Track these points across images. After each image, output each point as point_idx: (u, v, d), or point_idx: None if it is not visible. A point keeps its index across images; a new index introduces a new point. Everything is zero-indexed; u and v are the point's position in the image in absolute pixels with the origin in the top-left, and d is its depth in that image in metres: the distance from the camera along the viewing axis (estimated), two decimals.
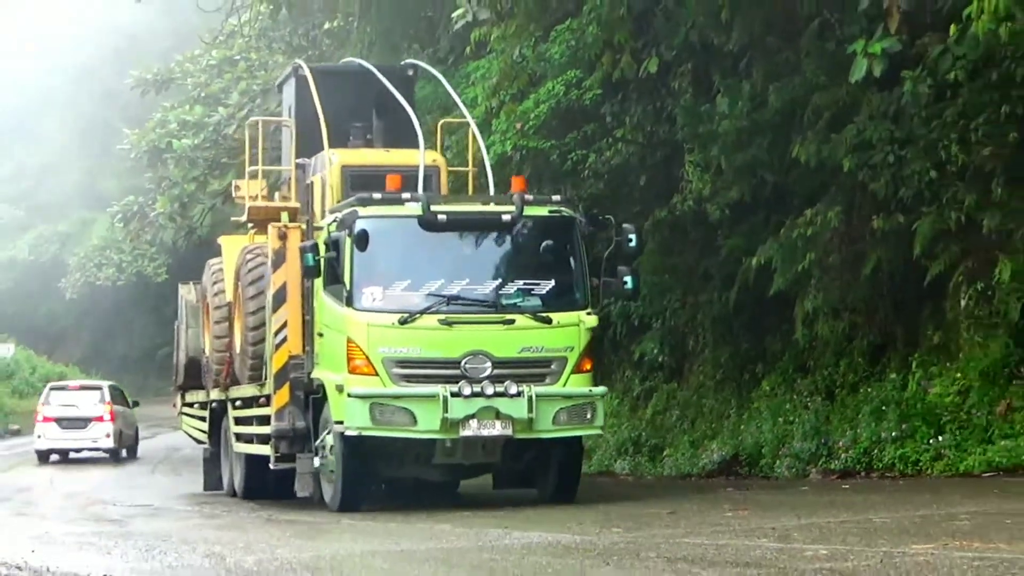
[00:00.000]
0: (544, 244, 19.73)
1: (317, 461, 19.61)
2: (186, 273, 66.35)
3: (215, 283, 24.52)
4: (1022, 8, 17.84)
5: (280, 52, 44.92)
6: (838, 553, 12.28)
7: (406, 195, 19.35)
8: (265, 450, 22.11)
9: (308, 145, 22.70)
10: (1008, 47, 19.40)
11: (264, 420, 21.81)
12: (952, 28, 19.15)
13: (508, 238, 19.82)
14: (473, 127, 22.76)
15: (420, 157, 21.07)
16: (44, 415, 52.80)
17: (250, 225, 24.65)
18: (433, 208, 18.61)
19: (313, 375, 20.22)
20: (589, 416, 19.27)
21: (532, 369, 18.72)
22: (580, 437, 20.29)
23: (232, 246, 25.02)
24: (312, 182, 22.49)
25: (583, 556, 13.81)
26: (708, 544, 14.20)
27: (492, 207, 19.76)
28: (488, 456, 19.46)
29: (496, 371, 18.39)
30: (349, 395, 18.59)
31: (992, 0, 17.18)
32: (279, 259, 20.21)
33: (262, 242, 23.04)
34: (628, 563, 12.51)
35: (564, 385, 18.83)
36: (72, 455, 52.64)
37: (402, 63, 25.04)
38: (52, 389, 56.69)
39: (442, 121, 22.85)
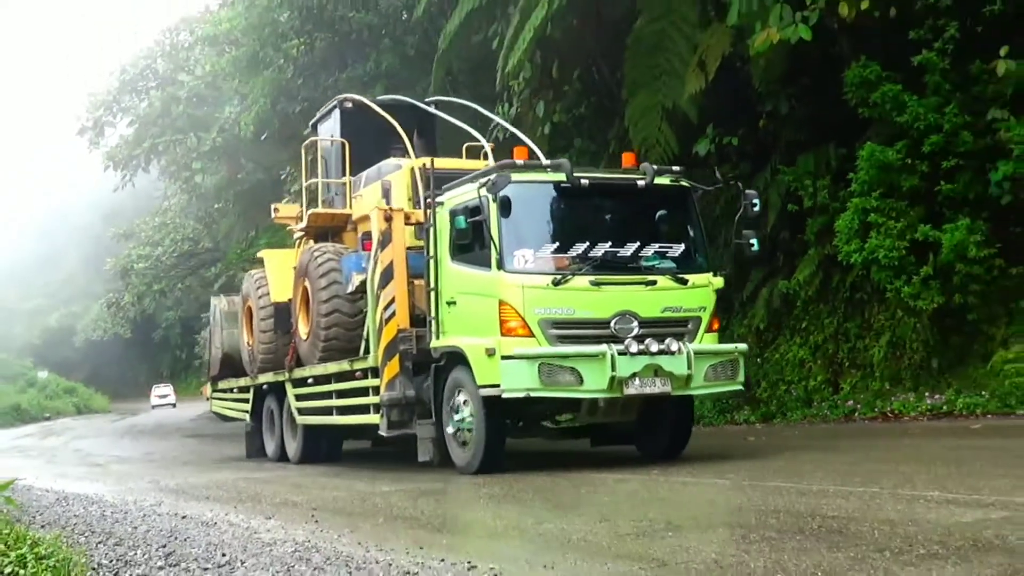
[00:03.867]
0: (669, 210, 12.63)
1: (451, 427, 12.30)
2: (142, 332, 67.31)
3: (258, 288, 17.48)
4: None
5: (192, 219, 44.23)
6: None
7: (546, 162, 12.47)
8: (348, 420, 14.92)
9: (353, 163, 16.01)
10: None
11: (349, 393, 14.63)
12: None
13: (639, 204, 12.60)
14: (487, 147, 15.18)
15: (490, 158, 14.67)
16: (153, 393, 65.86)
17: (298, 235, 17.24)
18: (576, 174, 12.00)
19: (437, 344, 12.58)
20: (732, 372, 12.31)
21: (673, 328, 11.85)
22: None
23: (274, 258, 18.10)
24: (362, 194, 15.66)
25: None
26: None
27: (627, 175, 12.71)
28: (625, 415, 12.38)
29: (642, 331, 11.56)
30: (510, 357, 11.36)
31: None
32: (385, 240, 13.36)
33: (317, 245, 15.82)
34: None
35: (699, 343, 12.02)
36: (160, 407, 62.37)
37: (426, 100, 17.60)
38: (155, 384, 68.39)
39: (466, 145, 16.10)
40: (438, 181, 12.89)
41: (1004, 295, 14.82)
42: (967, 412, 14.28)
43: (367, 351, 13.77)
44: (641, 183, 12.06)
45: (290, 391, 16.36)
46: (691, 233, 12.41)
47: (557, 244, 11.71)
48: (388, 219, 13.32)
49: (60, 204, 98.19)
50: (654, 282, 11.74)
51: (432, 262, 12.48)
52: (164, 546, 7.34)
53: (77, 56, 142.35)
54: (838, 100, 16.11)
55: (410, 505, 9.70)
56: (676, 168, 12.77)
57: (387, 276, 13.16)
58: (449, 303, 12.27)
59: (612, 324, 11.39)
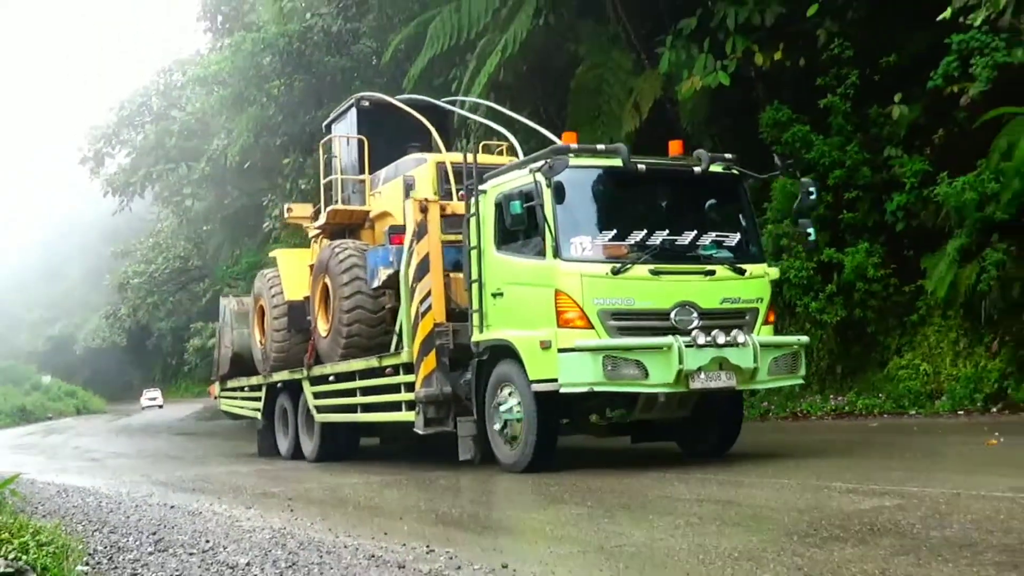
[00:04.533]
0: (722, 199, 10.55)
1: (497, 424, 10.22)
2: (136, 340, 66.58)
3: (271, 287, 15.33)
4: None
5: (183, 239, 43.82)
6: None
7: (600, 146, 10.20)
8: (375, 417, 12.86)
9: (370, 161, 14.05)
10: None
11: (376, 390, 12.49)
12: None
13: (694, 192, 10.45)
14: (514, 142, 13.09)
15: (519, 152, 12.63)
16: (144, 396, 62.68)
17: (315, 233, 15.03)
18: (633, 159, 9.89)
19: (481, 338, 10.49)
20: (794, 365, 10.14)
21: (732, 320, 9.80)
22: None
23: (287, 257, 15.94)
24: (381, 191, 13.61)
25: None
26: None
27: (683, 161, 10.52)
28: (681, 410, 10.23)
29: (701, 322, 9.56)
30: (569, 349, 9.27)
31: None
32: (421, 231, 11.26)
33: (336, 241, 13.64)
34: None
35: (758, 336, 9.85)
36: (148, 408, 58.78)
37: (445, 99, 15.33)
38: (145, 389, 65.58)
39: (483, 143, 13.99)
40: (462, 176, 11.28)
41: (898, 310, 15.03)
42: (866, 412, 14.45)
43: (399, 346, 11.87)
44: (697, 169, 10.15)
45: (308, 389, 14.44)
46: (744, 222, 10.45)
47: (614, 232, 9.71)
48: (423, 210, 11.34)
49: (63, 224, 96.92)
50: (713, 272, 9.86)
51: (475, 253, 10.58)
52: (154, 533, 7.24)
53: (77, 78, 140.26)
54: (755, 138, 16.29)
55: (376, 495, 9.66)
56: (728, 156, 10.72)
57: (423, 268, 11.24)
58: (495, 295, 10.34)
59: (672, 315, 9.55)
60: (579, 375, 9.26)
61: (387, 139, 13.88)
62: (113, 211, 42.98)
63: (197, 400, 52.13)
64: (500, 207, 10.10)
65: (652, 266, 9.58)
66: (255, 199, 33.71)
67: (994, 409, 13.14)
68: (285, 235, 28.56)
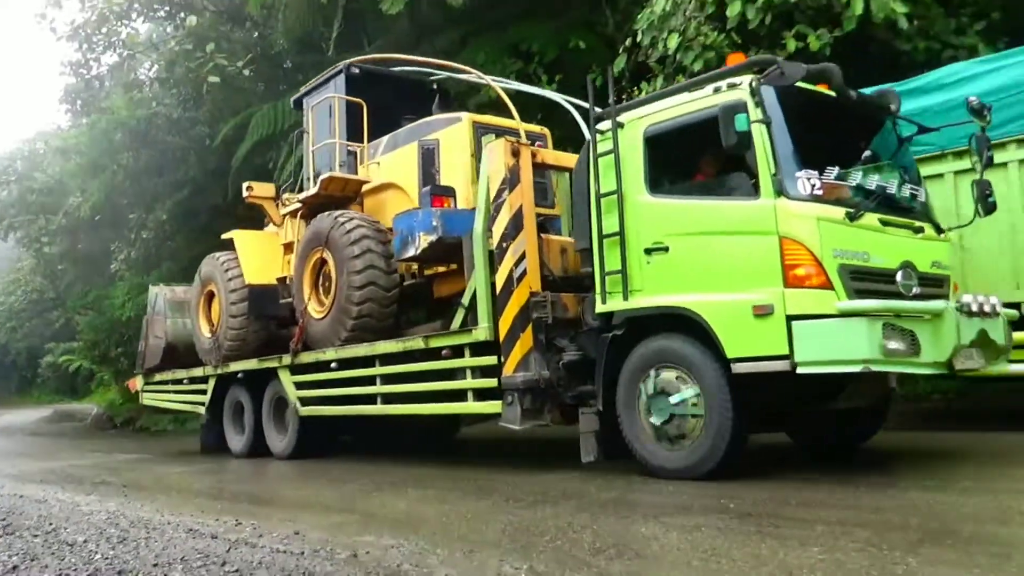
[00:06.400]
0: (899, 147, 6.22)
1: (656, 417, 5.89)
2: (38, 346, 58.64)
3: (228, 271, 10.87)
4: None
5: (40, 275, 39.88)
6: None
7: (804, 67, 5.54)
8: (405, 409, 8.37)
9: (358, 128, 9.77)
10: None
11: (404, 378, 8.23)
12: None
13: (886, 134, 6.17)
14: (563, 101, 8.39)
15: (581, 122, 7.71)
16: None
17: (292, 209, 10.43)
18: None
19: (623, 306, 6.19)
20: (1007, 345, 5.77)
21: (938, 289, 5.76)
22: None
23: (246, 239, 11.18)
24: (379, 161, 9.49)
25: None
26: None
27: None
28: (870, 399, 6.21)
29: (919, 289, 5.51)
30: (820, 316, 5.04)
31: None
32: (513, 179, 6.89)
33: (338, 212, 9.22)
34: None
35: None
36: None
37: (431, 78, 10.27)
38: None
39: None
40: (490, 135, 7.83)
41: None
42: None
43: (468, 322, 7.64)
44: (893, 107, 6.45)
45: (286, 379, 9.96)
46: (918, 174, 6.58)
47: (837, 168, 5.70)
48: (515, 153, 7.19)
49: None
50: (922, 229, 6.10)
51: (610, 201, 6.47)
52: (4, 519, 6.49)
53: None
54: None
55: (196, 481, 9.08)
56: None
57: (516, 224, 7.06)
58: (650, 251, 6.22)
59: (898, 277, 5.75)
60: (846, 349, 5.25)
61: (378, 109, 9.92)
62: None
63: (48, 407, 47.12)
64: (652, 141, 6.34)
65: (880, 215, 5.80)
66: (104, 245, 31.41)
67: None
68: (130, 275, 26.74)
